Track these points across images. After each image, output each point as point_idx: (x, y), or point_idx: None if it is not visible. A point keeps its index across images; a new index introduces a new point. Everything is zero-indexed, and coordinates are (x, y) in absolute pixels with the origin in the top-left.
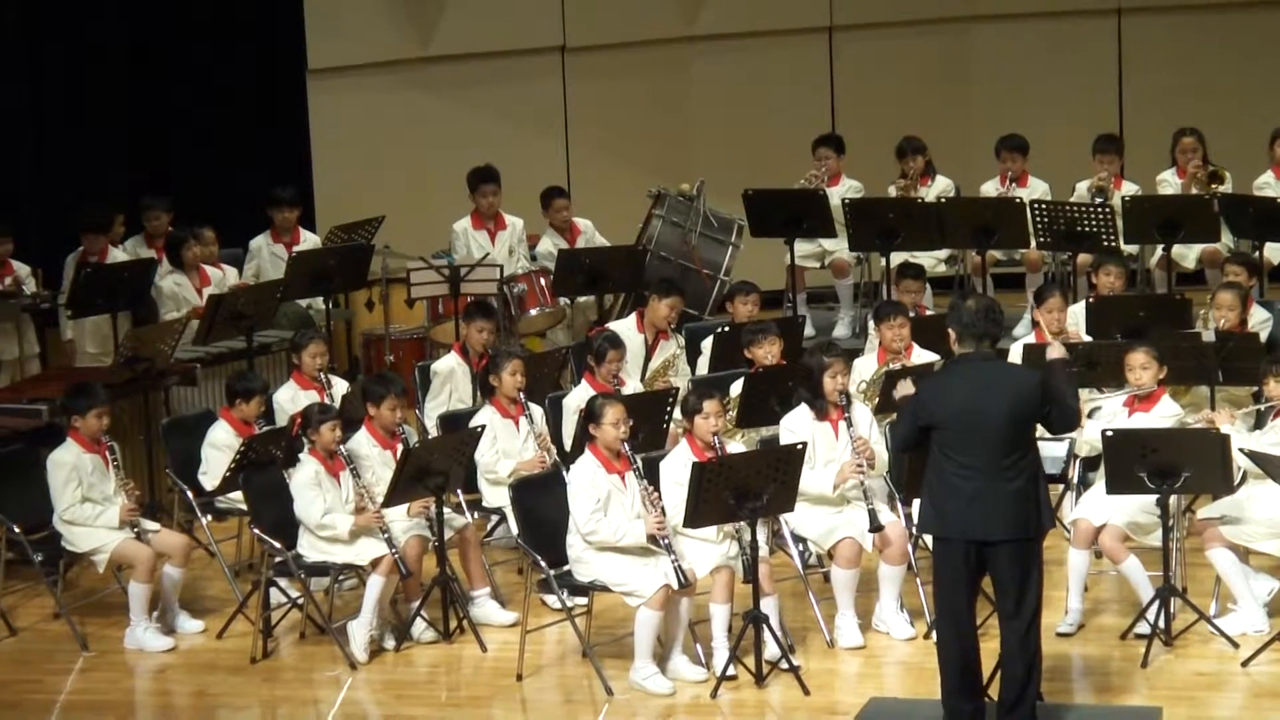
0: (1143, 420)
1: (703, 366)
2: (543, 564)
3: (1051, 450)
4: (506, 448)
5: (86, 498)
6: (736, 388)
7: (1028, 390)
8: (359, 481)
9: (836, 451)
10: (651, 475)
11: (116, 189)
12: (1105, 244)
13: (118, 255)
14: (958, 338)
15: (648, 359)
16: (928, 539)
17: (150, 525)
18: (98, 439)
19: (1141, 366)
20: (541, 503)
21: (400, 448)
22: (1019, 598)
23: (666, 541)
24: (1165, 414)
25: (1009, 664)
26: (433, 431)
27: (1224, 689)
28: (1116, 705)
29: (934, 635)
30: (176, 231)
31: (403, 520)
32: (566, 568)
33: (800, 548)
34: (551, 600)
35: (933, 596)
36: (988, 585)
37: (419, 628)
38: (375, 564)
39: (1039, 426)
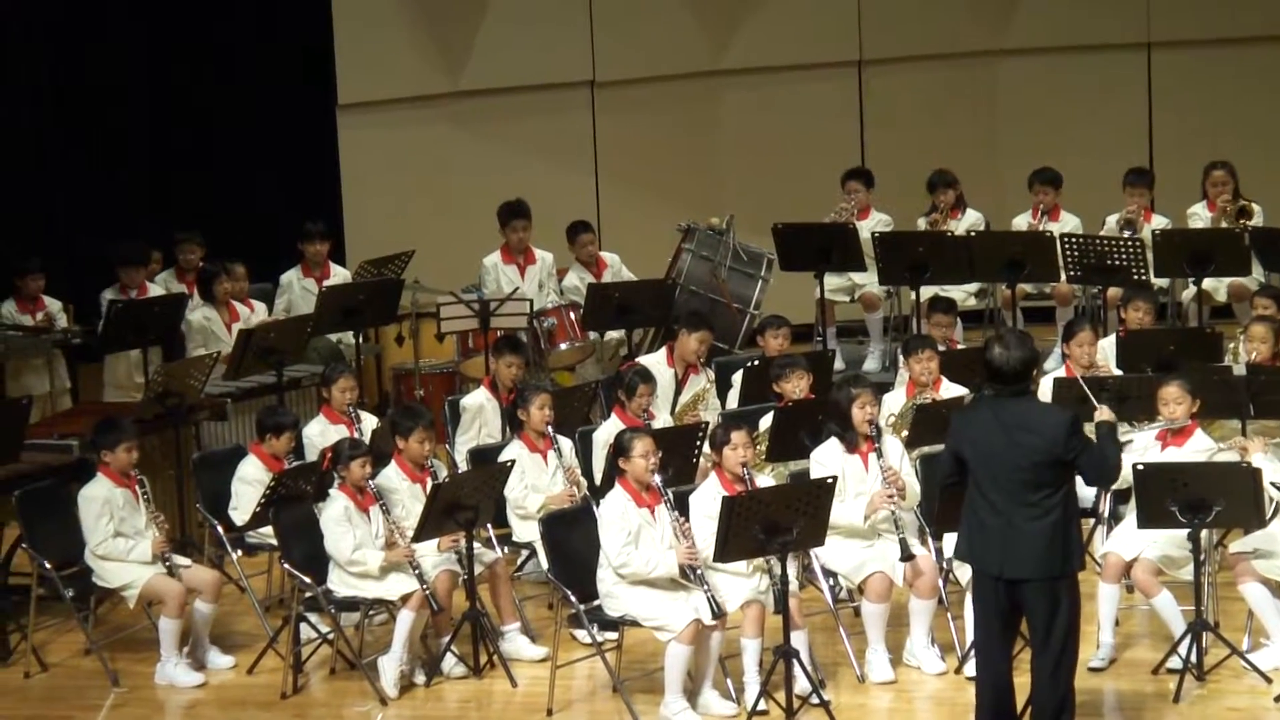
0: (1176, 455)
1: (733, 400)
2: (573, 599)
3: (1082, 484)
4: (535, 482)
5: (119, 532)
6: (766, 422)
7: (1055, 431)
8: (389, 517)
9: (867, 484)
10: (681, 509)
11: (147, 224)
12: (1135, 278)
13: (156, 290)
14: (990, 375)
15: (678, 393)
16: (958, 573)
17: (182, 561)
18: (127, 473)
19: (1175, 401)
20: (571, 537)
21: (430, 481)
22: (1046, 634)
23: (699, 572)
24: (1198, 449)
25: (1038, 700)
26: (463, 467)
27: None
28: None
29: (964, 670)
30: (208, 266)
31: (433, 555)
32: (596, 602)
33: (831, 582)
34: (581, 635)
35: (964, 630)
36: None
37: (449, 663)
38: (405, 599)
39: None
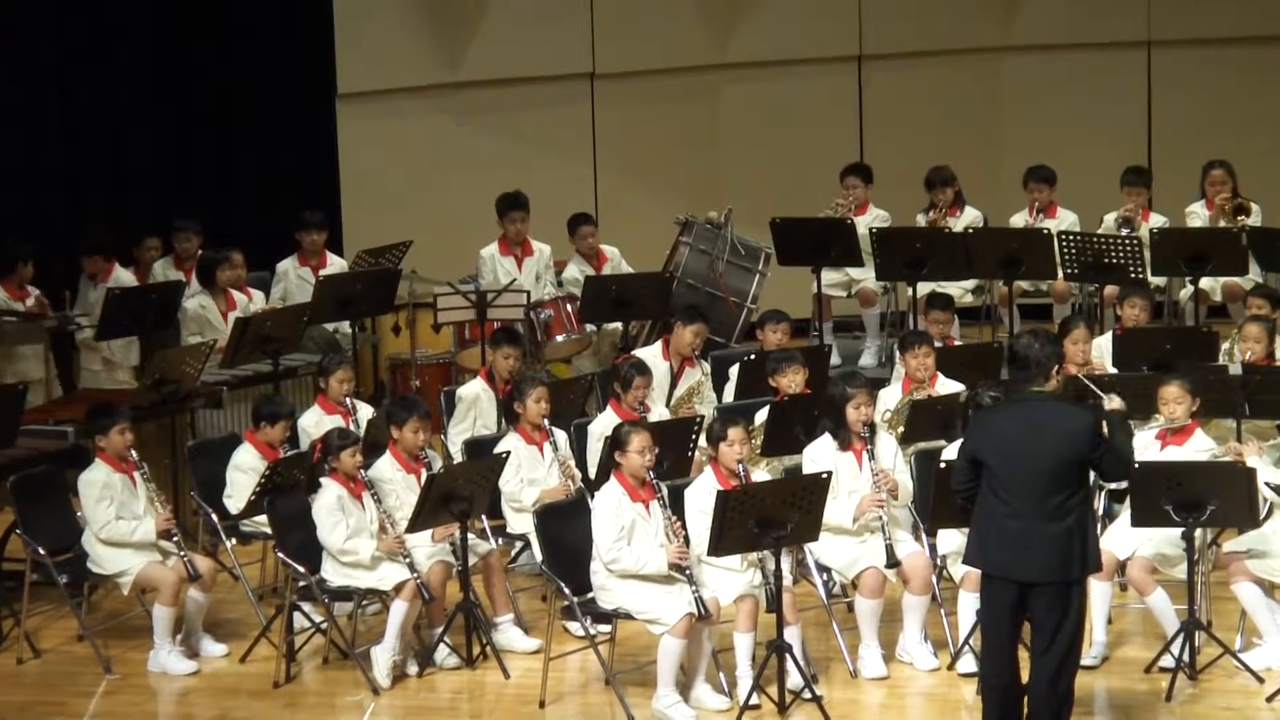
0: (1175, 454)
1: (729, 394)
2: (566, 591)
3: None
4: (531, 475)
5: (119, 516)
6: (762, 416)
7: (1078, 432)
8: (381, 506)
9: (859, 482)
10: (676, 503)
11: (145, 211)
12: (1133, 276)
13: (122, 276)
14: (1009, 359)
15: (673, 386)
16: (952, 569)
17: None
18: (124, 456)
19: (1175, 400)
20: (566, 529)
21: (424, 472)
22: (1051, 639)
23: (689, 572)
24: (1199, 448)
25: (1035, 704)
26: (457, 457)
27: None
28: None
29: (957, 666)
30: (209, 254)
31: (427, 546)
32: (590, 595)
33: (824, 577)
34: (575, 627)
35: (957, 626)
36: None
37: (442, 653)
38: (399, 589)
39: None
